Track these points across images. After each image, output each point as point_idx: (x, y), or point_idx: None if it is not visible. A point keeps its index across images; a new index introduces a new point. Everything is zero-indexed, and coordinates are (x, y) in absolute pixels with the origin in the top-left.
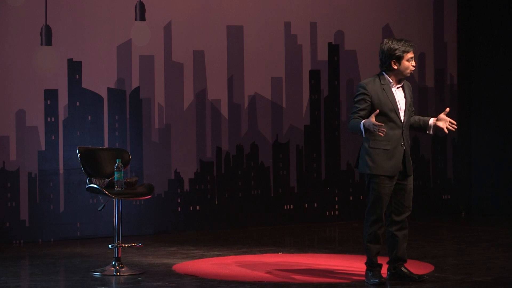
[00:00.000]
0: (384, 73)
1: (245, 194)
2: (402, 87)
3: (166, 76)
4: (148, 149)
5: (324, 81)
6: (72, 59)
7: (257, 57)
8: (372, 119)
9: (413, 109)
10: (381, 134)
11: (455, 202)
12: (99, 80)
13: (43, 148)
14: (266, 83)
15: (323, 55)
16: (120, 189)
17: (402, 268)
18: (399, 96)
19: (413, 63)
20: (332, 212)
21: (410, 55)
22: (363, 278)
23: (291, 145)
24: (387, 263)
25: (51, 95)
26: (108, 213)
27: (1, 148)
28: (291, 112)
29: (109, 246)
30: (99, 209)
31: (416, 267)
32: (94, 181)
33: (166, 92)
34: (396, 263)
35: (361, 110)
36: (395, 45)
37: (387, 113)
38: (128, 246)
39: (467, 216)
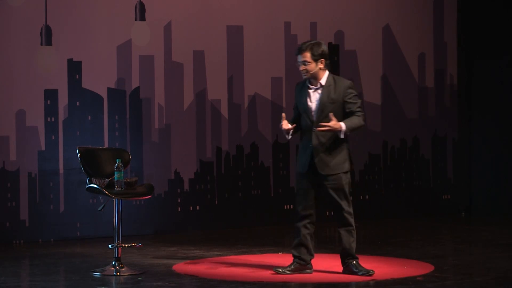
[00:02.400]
0: None
1: (245, 194)
2: (323, 87)
3: (166, 76)
4: (148, 149)
5: None
6: (72, 59)
7: (257, 57)
8: (283, 122)
9: (351, 106)
10: (286, 136)
11: (455, 202)
12: (99, 80)
13: (43, 148)
14: (266, 83)
15: None
16: (120, 189)
17: (350, 265)
18: (314, 97)
19: (301, 67)
20: (332, 212)
21: (298, 59)
22: (363, 278)
23: (291, 145)
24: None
25: (51, 95)
26: (108, 213)
27: (1, 148)
28: (291, 112)
29: (109, 246)
30: (99, 209)
31: (416, 267)
32: (94, 181)
33: (166, 92)
34: (345, 258)
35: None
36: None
37: (302, 113)
38: (128, 246)
39: (467, 216)
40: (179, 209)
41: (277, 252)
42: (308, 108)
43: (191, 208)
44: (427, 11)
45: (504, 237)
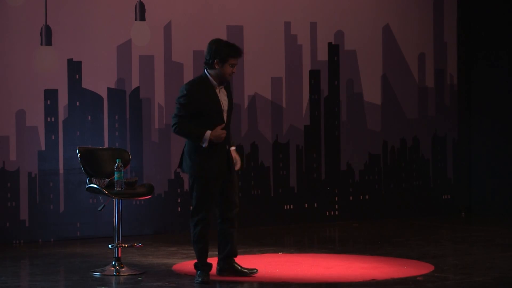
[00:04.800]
0: (208, 73)
1: (245, 194)
2: (225, 87)
3: (166, 76)
4: (148, 149)
5: (324, 81)
6: (72, 59)
7: (257, 57)
8: (218, 131)
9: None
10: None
11: (455, 202)
12: (99, 80)
13: (43, 148)
14: (266, 83)
15: (323, 55)
16: (120, 189)
17: (235, 264)
18: (222, 97)
19: (234, 69)
20: (332, 212)
21: (235, 61)
22: (363, 279)
23: (291, 145)
24: (219, 259)
25: (51, 95)
26: (108, 213)
27: (1, 148)
28: (291, 112)
29: (109, 246)
30: (99, 209)
31: (416, 267)
32: (94, 181)
33: (166, 92)
34: (228, 258)
35: (185, 115)
36: (223, 47)
37: (211, 114)
38: (128, 246)
39: (467, 216)
40: (179, 209)
41: (277, 252)
42: (221, 108)
43: (191, 208)
44: (427, 11)
45: (504, 237)
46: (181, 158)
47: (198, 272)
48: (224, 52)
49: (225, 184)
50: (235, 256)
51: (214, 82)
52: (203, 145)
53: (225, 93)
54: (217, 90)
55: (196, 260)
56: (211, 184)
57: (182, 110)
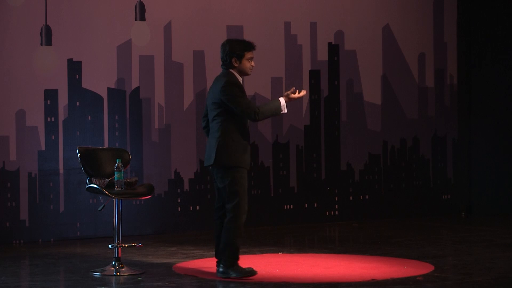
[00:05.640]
0: (232, 71)
1: None
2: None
3: (166, 76)
4: (148, 149)
5: (324, 81)
6: (72, 59)
7: (257, 57)
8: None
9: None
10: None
11: (455, 202)
12: (99, 80)
13: (43, 148)
14: (266, 83)
15: (323, 55)
16: (120, 189)
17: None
18: None
19: (253, 63)
20: (332, 212)
21: (251, 54)
22: (363, 279)
23: (291, 145)
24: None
25: (51, 95)
26: (108, 213)
27: (1, 148)
28: (291, 112)
29: (109, 246)
30: (99, 209)
31: (416, 267)
32: (94, 181)
33: (166, 92)
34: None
35: (248, 100)
36: (236, 44)
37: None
38: (128, 246)
39: (467, 216)
40: (179, 209)
41: (277, 252)
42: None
43: (191, 208)
44: (427, 11)
45: (504, 237)
46: (211, 154)
47: (239, 268)
48: (239, 48)
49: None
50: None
51: (240, 78)
52: (285, 111)
53: None
54: None
55: (231, 258)
56: (245, 175)
57: (245, 98)
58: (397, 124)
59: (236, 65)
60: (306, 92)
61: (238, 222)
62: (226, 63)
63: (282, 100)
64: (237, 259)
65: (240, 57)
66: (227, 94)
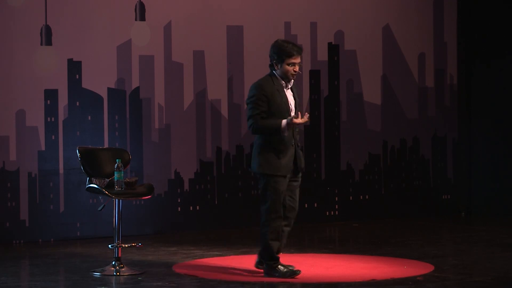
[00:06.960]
0: (275, 73)
1: (245, 194)
2: (292, 88)
3: (166, 76)
4: (148, 149)
5: (324, 81)
6: (72, 59)
7: (257, 57)
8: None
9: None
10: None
11: (455, 202)
12: (99, 80)
13: (43, 148)
14: None
15: (323, 55)
16: (120, 189)
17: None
18: (289, 97)
19: (296, 68)
20: (332, 212)
21: (293, 60)
22: (363, 279)
23: None
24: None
25: (51, 95)
26: (108, 213)
27: (1, 148)
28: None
29: (109, 246)
30: (99, 209)
31: (416, 267)
32: (94, 181)
33: (166, 92)
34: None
35: (259, 113)
36: (278, 48)
37: (279, 113)
38: (128, 246)
39: (467, 216)
40: (179, 209)
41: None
42: (289, 108)
43: (191, 208)
44: (427, 11)
45: (504, 237)
46: (252, 159)
47: (282, 266)
48: (280, 53)
49: (290, 182)
50: (279, 253)
51: (282, 82)
52: (285, 134)
53: (291, 93)
54: (285, 90)
55: (269, 260)
56: (280, 181)
57: (255, 109)
58: (397, 124)
59: (276, 68)
60: (309, 118)
61: (271, 227)
62: (271, 65)
63: (283, 122)
64: (275, 260)
65: (280, 62)
66: (248, 96)
